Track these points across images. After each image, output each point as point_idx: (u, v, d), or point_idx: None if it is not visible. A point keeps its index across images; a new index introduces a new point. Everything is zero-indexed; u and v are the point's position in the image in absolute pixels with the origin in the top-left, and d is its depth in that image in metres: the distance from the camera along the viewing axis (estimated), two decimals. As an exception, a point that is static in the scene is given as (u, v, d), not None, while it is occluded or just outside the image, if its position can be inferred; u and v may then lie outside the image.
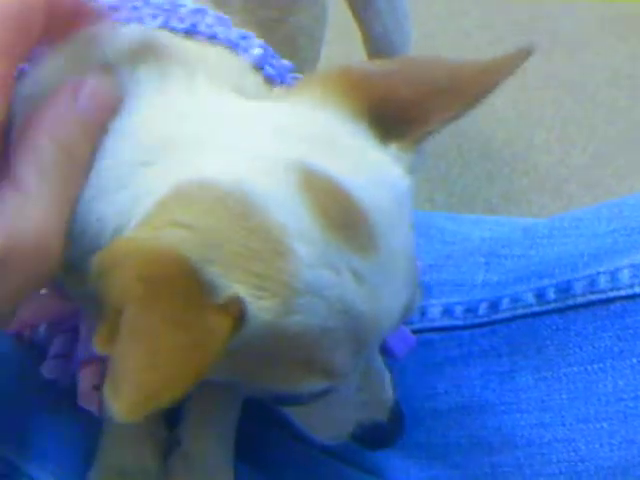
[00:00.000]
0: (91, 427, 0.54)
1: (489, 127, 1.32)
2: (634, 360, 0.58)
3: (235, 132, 0.42)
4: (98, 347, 0.38)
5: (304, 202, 0.40)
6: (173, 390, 0.36)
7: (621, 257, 0.60)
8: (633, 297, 0.59)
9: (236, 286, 0.38)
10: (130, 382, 0.36)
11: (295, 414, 0.51)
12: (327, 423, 0.50)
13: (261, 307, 0.39)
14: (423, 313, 0.64)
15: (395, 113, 0.44)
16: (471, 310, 0.63)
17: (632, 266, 0.59)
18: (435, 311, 0.64)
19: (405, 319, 0.46)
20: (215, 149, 0.41)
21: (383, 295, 0.42)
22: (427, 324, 0.63)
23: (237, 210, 0.39)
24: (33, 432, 0.54)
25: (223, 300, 0.38)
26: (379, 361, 0.49)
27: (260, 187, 0.40)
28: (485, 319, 0.63)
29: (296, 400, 0.46)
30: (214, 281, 0.38)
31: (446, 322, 0.63)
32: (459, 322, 0.63)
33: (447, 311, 0.64)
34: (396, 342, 0.59)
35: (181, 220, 0.39)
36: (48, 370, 0.53)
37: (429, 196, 1.18)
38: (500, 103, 1.34)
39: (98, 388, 0.53)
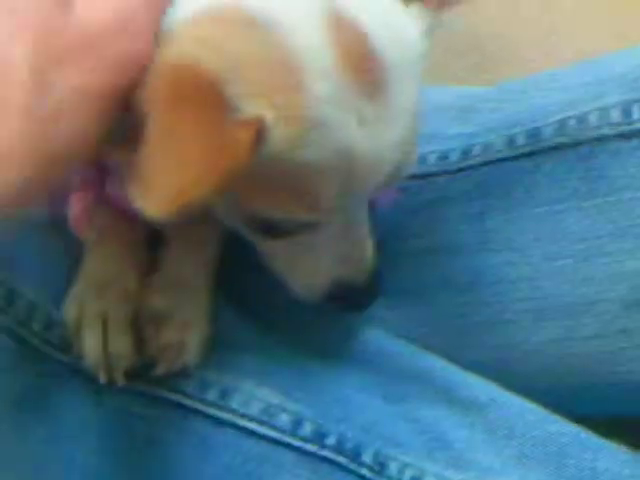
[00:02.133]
0: (73, 248, 0.56)
1: (475, 22, 1.31)
2: (599, 200, 0.60)
3: None
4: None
5: (329, 41, 0.42)
6: (201, 189, 0.38)
7: (591, 103, 0.62)
8: (600, 139, 0.60)
9: (258, 109, 0.40)
10: (161, 181, 0.38)
11: (273, 260, 0.52)
12: (304, 272, 0.52)
13: (277, 135, 0.41)
14: None
15: None
16: (444, 158, 0.65)
17: (600, 109, 0.61)
18: None
19: (396, 176, 0.48)
20: None
21: (380, 141, 0.44)
22: None
23: (265, 40, 0.41)
24: (18, 251, 0.56)
25: (247, 117, 0.40)
26: (364, 220, 0.51)
27: (291, 21, 0.42)
28: (457, 165, 0.64)
29: (279, 228, 0.47)
30: (236, 100, 0.40)
31: (420, 169, 0.65)
32: (432, 169, 0.65)
33: (421, 159, 0.65)
34: (381, 195, 0.60)
35: (209, 38, 0.41)
36: None
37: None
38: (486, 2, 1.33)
39: (87, 213, 0.55)
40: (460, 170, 0.64)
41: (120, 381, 0.53)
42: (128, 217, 0.53)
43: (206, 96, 0.40)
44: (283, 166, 0.42)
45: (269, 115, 0.41)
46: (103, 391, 0.54)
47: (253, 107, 0.40)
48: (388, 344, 0.62)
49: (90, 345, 0.53)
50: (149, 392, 0.54)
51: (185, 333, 0.54)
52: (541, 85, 0.67)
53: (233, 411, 0.54)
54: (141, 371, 0.54)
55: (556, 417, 0.60)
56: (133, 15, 0.41)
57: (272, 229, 0.48)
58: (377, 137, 0.44)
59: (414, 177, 0.65)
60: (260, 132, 0.40)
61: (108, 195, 0.54)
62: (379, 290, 0.54)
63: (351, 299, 0.53)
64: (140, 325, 0.54)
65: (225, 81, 0.40)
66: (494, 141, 0.64)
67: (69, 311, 0.54)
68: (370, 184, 0.46)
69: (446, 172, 0.64)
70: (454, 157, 0.65)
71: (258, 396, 0.55)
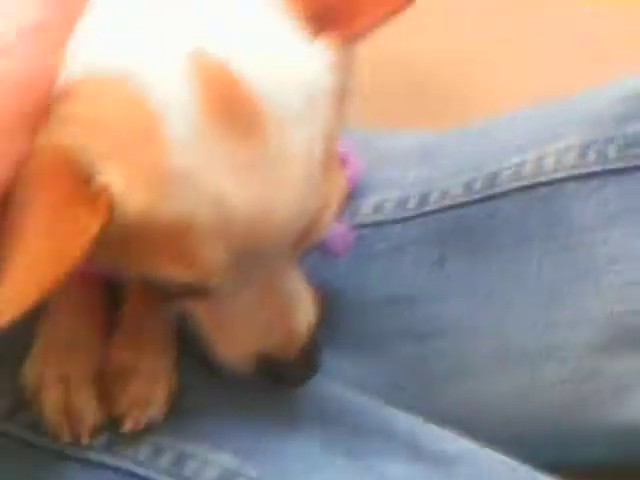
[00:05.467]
0: None
1: (437, 62, 1.32)
2: (559, 243, 0.60)
3: (143, 17, 0.42)
4: None
5: (188, 87, 0.39)
6: (25, 303, 0.37)
7: (548, 146, 0.61)
8: (557, 181, 0.60)
9: (108, 176, 0.39)
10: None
11: (199, 326, 0.50)
12: (224, 342, 0.49)
13: (132, 196, 0.39)
14: (355, 211, 0.65)
15: (328, 11, 0.43)
16: (401, 205, 0.64)
17: (556, 152, 0.61)
18: (367, 209, 0.65)
19: (309, 237, 0.45)
20: (118, 35, 0.41)
21: (265, 194, 0.41)
22: (359, 220, 0.64)
23: (117, 99, 0.39)
24: None
25: (94, 190, 0.38)
26: (288, 286, 0.47)
27: (148, 74, 0.40)
28: (415, 212, 0.63)
29: (166, 289, 0.45)
30: (90, 171, 0.39)
31: (377, 217, 0.64)
32: (389, 217, 0.64)
33: (378, 207, 0.65)
34: (335, 240, 0.59)
35: (67, 115, 0.40)
36: None
37: (377, 127, 1.18)
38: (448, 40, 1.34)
39: None
40: (418, 217, 0.63)
41: (85, 438, 0.51)
42: (83, 276, 0.52)
43: (56, 184, 0.38)
44: (149, 223, 0.40)
45: (118, 179, 0.38)
46: (49, 462, 0.51)
47: (104, 173, 0.38)
48: (349, 398, 0.59)
49: (51, 404, 0.51)
50: (98, 460, 0.51)
51: (152, 386, 0.53)
52: (499, 129, 0.67)
53: (188, 478, 0.52)
54: (106, 428, 0.52)
55: (526, 468, 0.58)
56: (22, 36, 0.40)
57: (159, 290, 0.45)
58: (258, 186, 0.40)
59: (371, 225, 0.64)
60: (109, 203, 0.38)
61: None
62: (314, 365, 0.50)
63: (282, 375, 0.49)
64: (104, 382, 0.53)
65: (82, 154, 0.39)
66: (452, 187, 0.63)
67: (28, 374, 0.52)
68: (271, 244, 0.43)
69: (404, 219, 0.63)
70: (412, 204, 0.64)
71: (214, 461, 0.52)
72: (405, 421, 0.59)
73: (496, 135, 0.66)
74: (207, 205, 0.40)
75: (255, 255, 0.43)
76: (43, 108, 0.40)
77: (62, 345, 0.53)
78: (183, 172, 0.39)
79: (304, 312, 0.48)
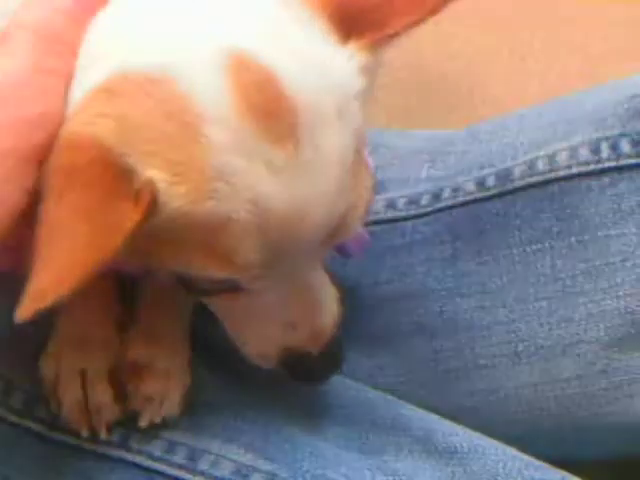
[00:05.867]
0: None
1: (444, 62, 1.32)
2: (572, 239, 0.60)
3: (180, 13, 0.42)
4: None
5: (228, 87, 0.40)
6: (66, 286, 0.37)
7: (560, 143, 0.61)
8: (570, 178, 0.60)
9: (151, 171, 0.39)
10: (33, 279, 0.37)
11: (222, 320, 0.50)
12: (252, 337, 0.49)
13: (174, 193, 0.39)
14: None
15: (358, 15, 0.43)
16: (414, 202, 0.64)
17: (569, 148, 0.60)
18: (379, 205, 0.65)
19: (338, 236, 0.45)
20: (154, 32, 0.41)
21: (301, 194, 0.41)
22: (371, 217, 0.64)
23: (158, 96, 0.40)
24: None
25: (137, 186, 0.39)
26: (315, 283, 0.47)
27: (185, 72, 0.40)
28: (427, 209, 0.64)
29: (199, 285, 0.45)
30: (130, 167, 0.39)
31: (389, 214, 0.64)
32: (402, 213, 0.64)
33: (390, 204, 0.65)
34: (351, 240, 0.59)
35: (106, 111, 0.40)
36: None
37: (387, 126, 1.18)
38: (455, 40, 1.34)
39: None
40: (430, 213, 0.63)
41: (103, 434, 0.52)
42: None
43: (96, 177, 0.39)
44: (188, 220, 0.40)
45: (161, 175, 0.39)
46: (63, 456, 0.52)
47: (147, 169, 0.39)
48: (363, 394, 0.60)
49: (70, 399, 0.52)
50: (112, 455, 0.52)
51: (167, 383, 0.53)
52: (510, 126, 0.66)
53: (202, 473, 0.52)
54: (123, 424, 0.53)
55: (539, 463, 0.58)
56: (26, 80, 0.40)
57: (192, 286, 0.46)
58: (294, 186, 0.41)
59: (382, 222, 0.65)
60: (151, 198, 0.39)
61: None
62: (338, 362, 0.51)
63: (305, 370, 0.50)
64: (120, 378, 0.53)
65: (121, 150, 0.39)
66: (464, 183, 0.63)
67: (45, 368, 0.53)
68: (304, 242, 0.43)
69: (416, 216, 0.64)
70: (424, 201, 0.64)
71: (228, 456, 0.53)
72: (419, 417, 0.59)
73: (508, 132, 0.66)
74: (244, 202, 0.40)
75: (287, 253, 0.43)
76: (50, 143, 0.40)
77: (78, 340, 0.53)
78: (222, 170, 0.39)
79: (330, 308, 0.49)
